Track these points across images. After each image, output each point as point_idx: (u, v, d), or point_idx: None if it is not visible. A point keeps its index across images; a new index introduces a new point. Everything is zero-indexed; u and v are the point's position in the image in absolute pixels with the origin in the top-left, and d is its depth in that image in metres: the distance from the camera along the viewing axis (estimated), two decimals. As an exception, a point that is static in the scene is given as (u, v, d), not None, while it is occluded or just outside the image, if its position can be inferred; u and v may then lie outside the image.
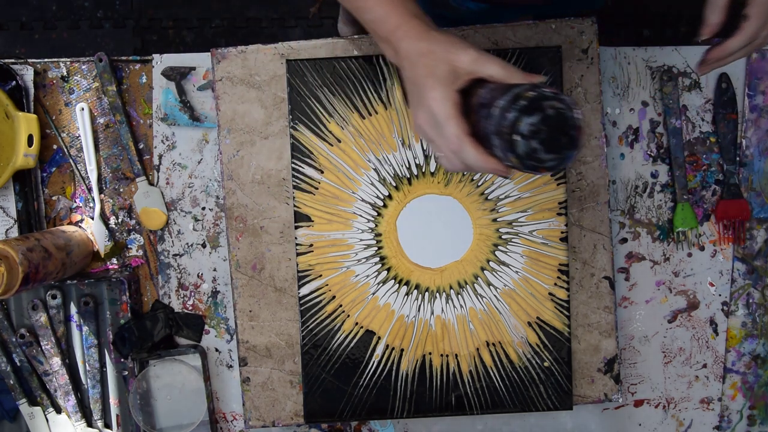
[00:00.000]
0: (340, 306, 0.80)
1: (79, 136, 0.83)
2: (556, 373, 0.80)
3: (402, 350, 0.80)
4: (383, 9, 0.61)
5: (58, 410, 0.85)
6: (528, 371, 0.80)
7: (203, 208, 0.83)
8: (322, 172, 0.79)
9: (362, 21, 0.64)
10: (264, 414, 0.81)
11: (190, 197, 0.83)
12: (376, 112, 0.78)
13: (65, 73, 0.83)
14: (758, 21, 0.61)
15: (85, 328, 0.83)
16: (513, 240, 0.79)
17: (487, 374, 0.80)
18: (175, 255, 0.83)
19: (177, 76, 0.82)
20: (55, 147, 0.83)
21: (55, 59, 0.83)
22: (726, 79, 0.83)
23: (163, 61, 0.82)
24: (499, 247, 0.79)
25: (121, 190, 0.84)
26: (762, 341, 0.85)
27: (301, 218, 0.79)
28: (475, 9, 0.87)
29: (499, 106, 0.52)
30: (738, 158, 0.84)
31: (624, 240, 0.84)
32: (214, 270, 0.83)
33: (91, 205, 0.83)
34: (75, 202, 0.84)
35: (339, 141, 0.79)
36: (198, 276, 0.83)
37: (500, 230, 0.79)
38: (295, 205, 0.79)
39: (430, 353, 0.80)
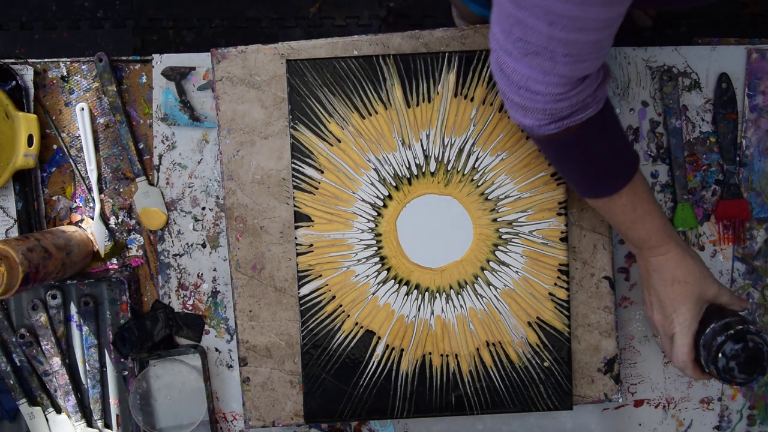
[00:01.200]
0: (340, 306, 0.80)
1: (79, 136, 0.83)
2: (556, 373, 0.80)
3: (402, 350, 0.80)
4: (646, 232, 0.69)
5: (58, 410, 0.85)
6: (528, 371, 0.80)
7: (203, 208, 0.83)
8: (322, 172, 0.79)
9: (618, 232, 0.73)
10: (264, 414, 0.81)
11: (190, 197, 0.83)
12: (376, 112, 0.78)
13: (65, 73, 0.83)
14: None
15: (85, 328, 0.83)
16: (513, 240, 0.79)
17: (487, 374, 0.80)
18: (175, 255, 0.83)
19: (177, 76, 0.82)
20: (55, 147, 0.83)
21: (55, 59, 0.83)
22: (726, 79, 0.83)
23: (163, 61, 0.82)
24: (499, 247, 0.79)
25: (121, 190, 0.84)
26: (762, 341, 0.85)
27: (301, 218, 0.79)
28: None
29: (712, 328, 0.66)
30: (738, 158, 0.84)
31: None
32: (214, 270, 0.83)
33: (91, 205, 0.83)
34: (75, 202, 0.84)
35: (339, 141, 0.79)
36: (198, 276, 0.83)
37: (500, 230, 0.79)
38: (295, 205, 0.79)
39: (430, 353, 0.80)
